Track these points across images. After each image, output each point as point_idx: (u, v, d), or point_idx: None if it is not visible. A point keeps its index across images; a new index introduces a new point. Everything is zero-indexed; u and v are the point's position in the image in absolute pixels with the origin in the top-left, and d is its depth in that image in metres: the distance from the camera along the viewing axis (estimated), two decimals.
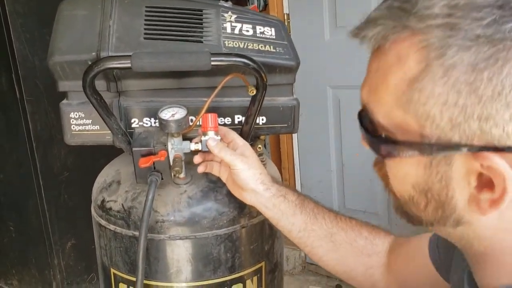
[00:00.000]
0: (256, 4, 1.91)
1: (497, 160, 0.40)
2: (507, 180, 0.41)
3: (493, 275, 0.48)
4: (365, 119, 0.49)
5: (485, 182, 0.42)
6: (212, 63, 0.70)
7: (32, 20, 1.68)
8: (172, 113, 0.77)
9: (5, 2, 1.61)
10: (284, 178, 2.19)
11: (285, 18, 1.90)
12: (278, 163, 2.15)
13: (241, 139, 0.82)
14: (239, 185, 0.79)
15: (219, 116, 0.86)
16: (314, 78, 1.96)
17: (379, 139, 0.47)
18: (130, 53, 0.71)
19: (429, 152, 0.43)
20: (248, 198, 0.80)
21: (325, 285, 2.08)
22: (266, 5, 1.93)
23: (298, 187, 2.19)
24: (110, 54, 0.77)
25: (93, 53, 0.78)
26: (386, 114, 0.45)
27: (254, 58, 0.76)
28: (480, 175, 0.42)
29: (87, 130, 0.85)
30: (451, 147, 0.42)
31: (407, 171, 0.47)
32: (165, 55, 0.71)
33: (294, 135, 2.13)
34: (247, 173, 0.78)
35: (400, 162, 0.47)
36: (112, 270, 0.89)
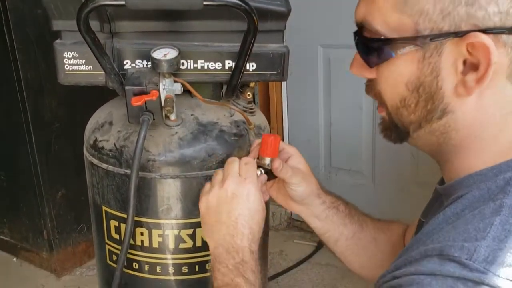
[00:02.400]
0: None
1: (482, 36, 0.48)
2: (491, 54, 0.48)
3: (464, 165, 0.57)
4: (361, 36, 0.56)
5: (470, 66, 0.50)
6: (204, 2, 0.72)
7: None
8: (164, 53, 0.79)
9: None
10: None
11: None
12: (268, 122, 2.18)
13: (291, 146, 0.84)
14: (293, 199, 0.81)
15: (208, 61, 0.87)
16: (305, 37, 1.96)
17: (377, 44, 0.54)
18: None
19: (423, 44, 0.51)
20: (298, 209, 0.83)
21: (309, 239, 2.15)
22: None
23: None
24: None
25: None
26: (384, 21, 0.53)
27: (247, 0, 0.77)
28: (465, 61, 0.50)
29: (80, 70, 0.86)
30: (442, 35, 0.50)
31: (401, 71, 0.54)
32: None
33: (284, 95, 2.15)
34: (306, 189, 0.79)
35: (395, 63, 0.54)
36: (104, 208, 0.93)
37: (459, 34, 0.49)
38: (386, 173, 1.96)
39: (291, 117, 2.17)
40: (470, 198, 0.53)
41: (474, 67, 0.50)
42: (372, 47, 0.55)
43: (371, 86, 0.60)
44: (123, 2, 0.71)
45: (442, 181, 0.64)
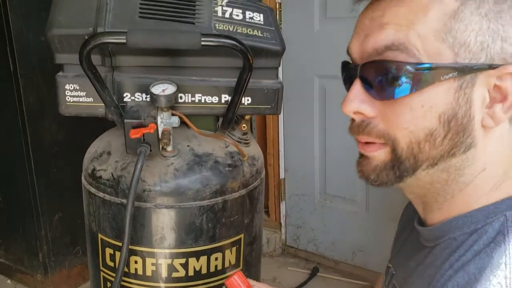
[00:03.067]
0: None
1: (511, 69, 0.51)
2: None
3: (462, 204, 0.57)
4: (382, 63, 0.54)
5: (497, 97, 0.53)
6: (202, 43, 0.76)
7: None
8: (162, 89, 0.82)
9: None
10: (269, 163, 2.25)
11: (277, 7, 1.94)
12: (264, 148, 2.21)
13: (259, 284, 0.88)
14: None
15: (206, 95, 0.91)
16: (302, 67, 2.01)
17: (412, 70, 0.52)
18: (126, 30, 0.76)
19: (462, 73, 0.52)
20: None
21: (303, 267, 2.15)
22: None
23: (282, 171, 2.26)
24: (107, 30, 0.81)
25: (90, 28, 0.82)
26: (424, 47, 0.52)
27: (242, 41, 0.81)
28: (494, 92, 0.53)
29: (81, 102, 0.89)
30: (478, 67, 0.52)
31: (436, 101, 0.53)
32: (158, 33, 0.76)
33: (280, 122, 2.19)
34: None
35: (429, 92, 0.53)
36: (100, 236, 0.95)
37: (492, 66, 0.51)
38: (380, 201, 1.99)
39: (287, 144, 2.20)
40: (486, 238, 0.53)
41: (502, 98, 0.52)
42: (399, 75, 0.53)
43: (368, 125, 0.56)
44: (124, 41, 0.75)
45: (420, 221, 0.63)
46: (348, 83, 0.59)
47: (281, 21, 1.94)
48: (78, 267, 2.03)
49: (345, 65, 0.61)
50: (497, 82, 0.52)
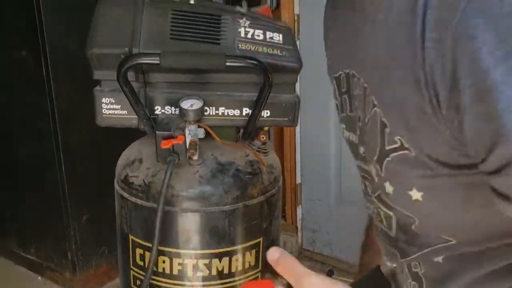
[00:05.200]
0: (269, 4, 2.03)
1: None
2: None
3: None
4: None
5: None
6: (227, 64, 0.84)
7: (63, 4, 1.81)
8: (191, 103, 0.90)
9: None
10: (286, 168, 2.32)
11: (295, 19, 2.02)
12: (281, 154, 2.29)
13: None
14: None
15: (228, 108, 0.98)
16: (319, 77, 2.08)
17: None
18: (158, 51, 0.85)
19: None
20: None
21: (319, 270, 2.22)
22: (278, 5, 2.05)
23: (298, 176, 2.33)
24: (140, 50, 0.90)
25: (126, 48, 0.91)
26: None
27: (263, 60, 0.89)
28: None
29: (116, 114, 0.98)
30: None
31: None
32: (188, 55, 0.84)
33: (297, 128, 2.26)
34: None
35: None
36: (131, 237, 1.03)
37: None
38: None
39: (304, 150, 2.27)
40: None
41: None
42: None
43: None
44: (158, 62, 0.83)
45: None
46: None
47: (299, 32, 2.02)
48: (104, 267, 2.14)
49: None
50: None
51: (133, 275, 1.05)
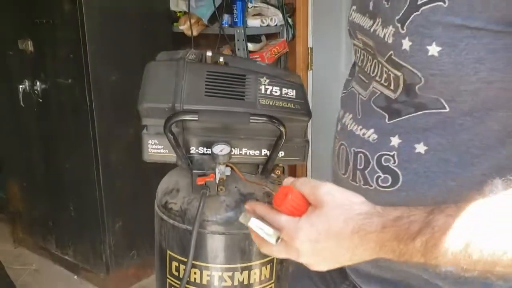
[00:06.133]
0: (285, 37, 2.23)
1: None
2: None
3: None
4: None
5: None
6: (251, 121, 1.06)
7: (106, 39, 2.05)
8: (221, 149, 1.13)
9: (84, 21, 1.97)
10: None
11: (309, 51, 2.23)
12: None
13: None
14: None
15: (250, 149, 1.21)
16: (330, 108, 2.28)
17: None
18: (196, 106, 1.07)
19: None
20: None
21: None
22: (293, 38, 2.26)
23: None
24: (182, 105, 1.12)
25: (170, 104, 1.13)
26: None
27: (279, 113, 1.11)
28: None
29: (159, 153, 1.21)
30: None
31: None
32: (220, 114, 1.07)
33: (309, 162, 2.47)
34: None
35: None
36: (168, 252, 1.26)
37: None
38: None
39: (314, 176, 2.48)
40: None
41: None
42: None
43: None
44: (196, 118, 1.06)
45: None
46: None
47: (312, 63, 2.23)
48: (133, 268, 2.38)
49: None
50: None
51: (169, 283, 1.29)
